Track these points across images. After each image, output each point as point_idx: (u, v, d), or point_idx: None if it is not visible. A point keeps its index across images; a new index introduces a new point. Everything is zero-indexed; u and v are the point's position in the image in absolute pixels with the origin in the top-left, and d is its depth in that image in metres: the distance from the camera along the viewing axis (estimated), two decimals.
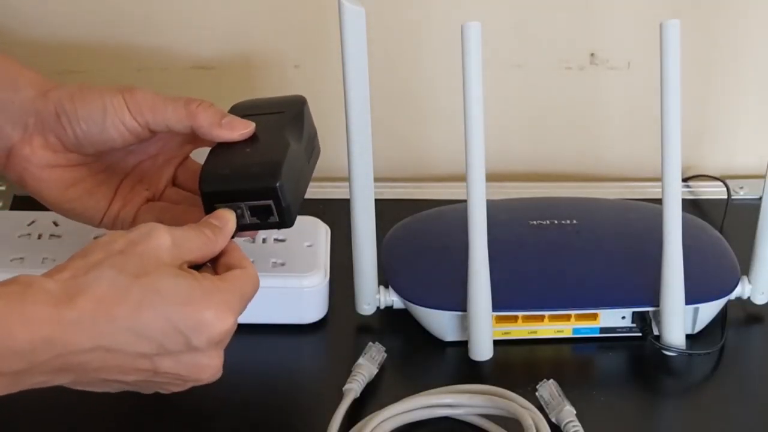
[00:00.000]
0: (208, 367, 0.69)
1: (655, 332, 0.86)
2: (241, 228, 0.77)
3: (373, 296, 0.87)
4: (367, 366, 0.82)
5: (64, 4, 1.02)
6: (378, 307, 0.88)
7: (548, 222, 0.91)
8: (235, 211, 0.76)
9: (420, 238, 0.92)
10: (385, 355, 0.84)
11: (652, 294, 0.85)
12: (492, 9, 1.02)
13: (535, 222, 0.91)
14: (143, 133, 0.79)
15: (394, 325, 0.88)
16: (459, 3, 1.02)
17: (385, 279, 0.88)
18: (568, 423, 0.78)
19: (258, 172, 0.76)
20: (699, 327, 0.88)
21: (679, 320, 0.84)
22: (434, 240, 0.91)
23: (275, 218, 0.76)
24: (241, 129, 0.79)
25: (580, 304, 0.86)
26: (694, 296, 0.85)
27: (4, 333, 0.63)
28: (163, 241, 0.69)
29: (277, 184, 0.75)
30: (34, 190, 0.80)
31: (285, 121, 0.81)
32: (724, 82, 1.07)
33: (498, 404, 0.79)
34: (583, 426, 0.78)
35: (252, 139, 0.80)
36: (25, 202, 1.00)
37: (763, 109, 1.09)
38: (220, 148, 0.79)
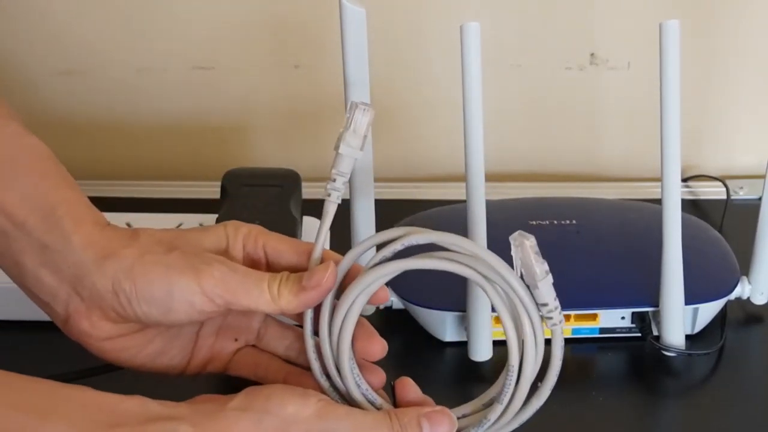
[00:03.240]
0: None
1: (655, 332, 0.86)
2: None
3: None
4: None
5: (65, 4, 1.02)
6: (377, 308, 0.88)
7: (548, 222, 0.92)
8: None
9: None
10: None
11: (652, 294, 0.85)
12: (492, 9, 1.03)
13: (534, 222, 0.91)
14: (219, 311, 0.69)
15: (394, 326, 0.88)
16: (459, 3, 1.02)
17: None
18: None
19: None
20: (698, 327, 0.88)
21: (679, 320, 0.84)
22: None
23: None
24: (328, 285, 0.69)
25: (580, 304, 0.86)
26: (693, 296, 0.85)
27: None
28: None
29: None
30: (98, 355, 0.71)
31: (286, 196, 0.85)
32: (724, 82, 1.07)
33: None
34: (584, 427, 0.78)
35: (261, 210, 0.83)
36: None
37: (763, 109, 1.09)
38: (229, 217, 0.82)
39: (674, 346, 0.85)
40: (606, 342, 0.88)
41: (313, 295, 0.68)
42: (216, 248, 0.70)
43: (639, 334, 0.87)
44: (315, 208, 0.94)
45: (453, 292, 0.84)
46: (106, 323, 0.69)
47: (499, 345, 0.86)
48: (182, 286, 0.67)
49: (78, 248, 0.68)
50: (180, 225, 0.91)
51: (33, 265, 0.69)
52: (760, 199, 0.85)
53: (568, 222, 0.92)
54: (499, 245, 0.84)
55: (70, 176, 0.71)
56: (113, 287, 0.67)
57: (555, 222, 0.92)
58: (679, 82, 0.77)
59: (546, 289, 0.67)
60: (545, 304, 0.67)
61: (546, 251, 0.89)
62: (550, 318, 0.67)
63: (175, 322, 0.68)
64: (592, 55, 1.06)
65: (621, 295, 0.87)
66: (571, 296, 0.86)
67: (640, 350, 0.87)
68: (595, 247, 0.90)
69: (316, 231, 0.90)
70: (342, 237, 0.88)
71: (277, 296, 0.68)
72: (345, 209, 0.85)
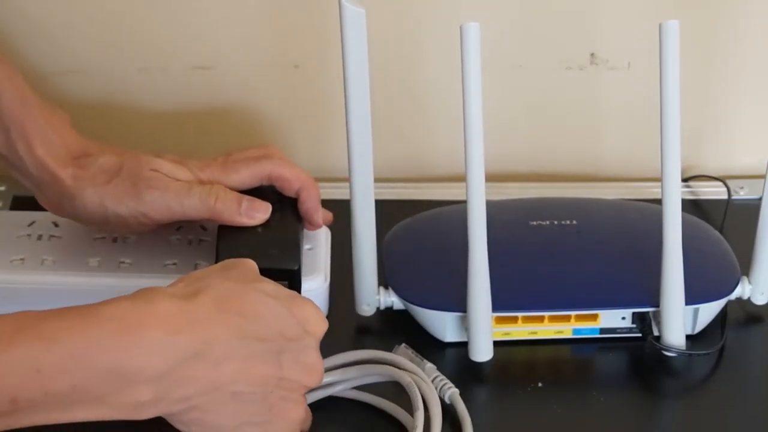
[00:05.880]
0: (317, 366, 0.72)
1: (655, 333, 0.86)
2: None
3: (373, 297, 0.87)
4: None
5: (65, 3, 1.02)
6: (378, 308, 0.88)
7: (548, 222, 0.91)
8: None
9: (420, 239, 0.92)
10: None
11: (652, 294, 0.85)
12: (492, 9, 1.02)
13: (535, 222, 0.91)
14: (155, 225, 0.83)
15: (394, 326, 0.88)
16: (459, 3, 1.02)
17: (385, 280, 0.88)
18: (435, 378, 0.81)
19: (278, 253, 0.81)
20: (699, 327, 0.88)
21: (679, 321, 0.84)
22: (434, 241, 0.91)
23: None
24: (261, 214, 0.83)
25: (580, 304, 0.86)
26: (694, 297, 0.85)
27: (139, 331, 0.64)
28: (252, 264, 0.74)
29: (297, 267, 0.81)
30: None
31: (286, 197, 0.85)
32: (724, 82, 1.07)
33: (375, 371, 0.81)
34: (584, 427, 0.78)
35: None
36: (25, 202, 1.00)
37: (763, 109, 1.09)
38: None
39: (674, 346, 0.85)
40: (606, 342, 0.88)
41: (245, 221, 0.82)
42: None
43: (639, 335, 0.87)
44: None
45: (453, 293, 0.84)
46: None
47: (499, 345, 0.86)
48: (120, 212, 0.81)
49: (31, 168, 0.82)
50: (179, 227, 0.91)
51: (6, 165, 0.84)
52: (760, 199, 0.85)
53: (568, 222, 0.92)
54: (499, 245, 0.84)
55: (29, 92, 0.82)
56: (56, 207, 0.83)
57: (555, 222, 0.92)
58: (679, 82, 0.77)
59: None
60: (437, 376, 0.82)
61: (546, 251, 0.89)
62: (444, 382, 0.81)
63: (115, 229, 0.85)
64: (592, 55, 1.05)
65: (621, 295, 0.87)
66: (571, 296, 0.86)
67: (641, 350, 0.87)
68: (596, 247, 0.90)
69: (316, 232, 0.91)
70: (342, 237, 0.88)
71: (212, 208, 0.81)
72: (345, 209, 0.85)
